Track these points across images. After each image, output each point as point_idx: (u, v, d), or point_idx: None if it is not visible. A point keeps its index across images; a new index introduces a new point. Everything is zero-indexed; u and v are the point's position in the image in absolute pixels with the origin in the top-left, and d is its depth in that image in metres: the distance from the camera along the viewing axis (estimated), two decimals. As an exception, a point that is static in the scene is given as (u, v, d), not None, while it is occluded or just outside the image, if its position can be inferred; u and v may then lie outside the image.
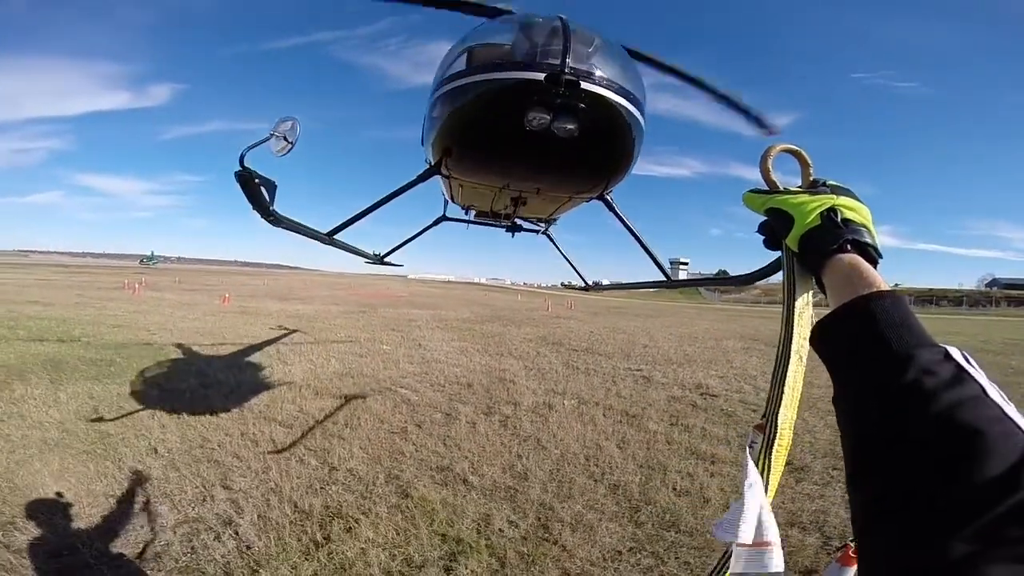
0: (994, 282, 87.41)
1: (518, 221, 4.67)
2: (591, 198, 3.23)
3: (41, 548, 2.88)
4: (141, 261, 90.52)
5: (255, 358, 8.61)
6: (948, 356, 0.53)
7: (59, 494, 3.44)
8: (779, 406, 0.79)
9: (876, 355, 0.56)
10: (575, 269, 5.81)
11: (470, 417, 5.75)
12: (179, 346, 9.19)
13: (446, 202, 5.15)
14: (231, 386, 6.56)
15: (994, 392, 0.49)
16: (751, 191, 0.93)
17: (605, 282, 5.89)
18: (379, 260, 5.19)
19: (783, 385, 0.80)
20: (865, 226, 0.77)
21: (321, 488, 3.73)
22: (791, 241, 0.82)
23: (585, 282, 5.80)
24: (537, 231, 5.52)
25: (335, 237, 2.88)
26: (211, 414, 5.27)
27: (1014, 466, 0.42)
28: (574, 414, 6.10)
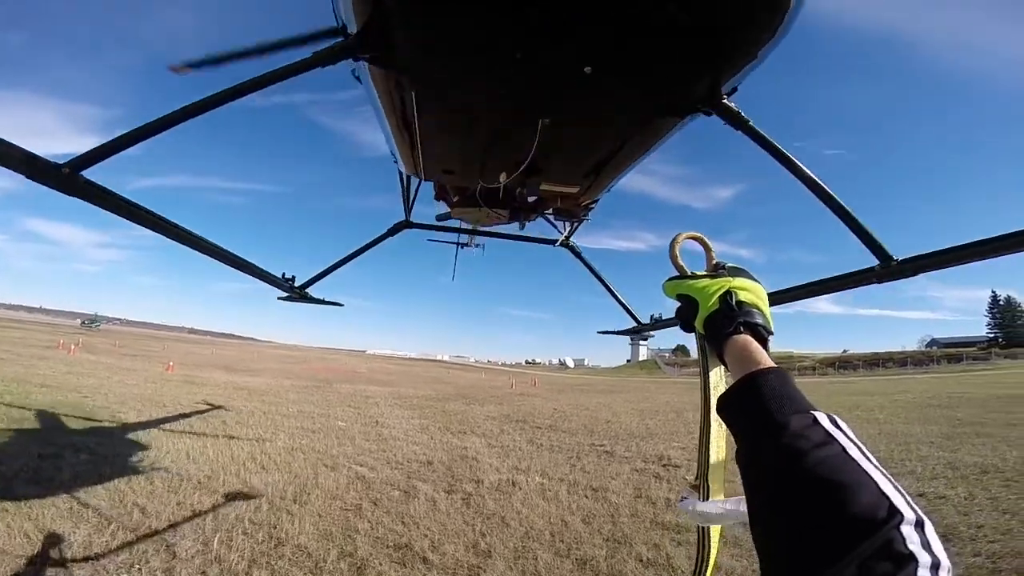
0: (933, 342, 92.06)
1: (528, 200, 2.99)
2: (692, 111, 1.76)
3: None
4: (83, 323, 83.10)
5: (197, 427, 8.04)
6: (816, 421, 0.61)
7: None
8: (708, 467, 0.88)
9: (760, 423, 0.65)
10: (618, 299, 4.13)
11: (430, 495, 5.44)
12: (114, 411, 8.48)
13: (409, 197, 3.91)
14: (169, 453, 6.06)
15: (854, 451, 0.57)
16: (667, 279, 1.03)
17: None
18: (299, 294, 3.74)
19: (708, 449, 0.90)
20: (757, 306, 0.88)
21: (267, 563, 3.40)
22: (698, 324, 0.93)
23: (636, 319, 4.05)
24: (553, 242, 4.07)
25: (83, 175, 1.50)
26: (147, 481, 4.82)
27: (869, 513, 0.49)
28: (538, 490, 5.88)
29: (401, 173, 3.57)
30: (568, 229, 4.01)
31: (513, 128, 1.99)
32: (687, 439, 10.16)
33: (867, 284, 1.82)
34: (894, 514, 0.48)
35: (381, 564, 3.55)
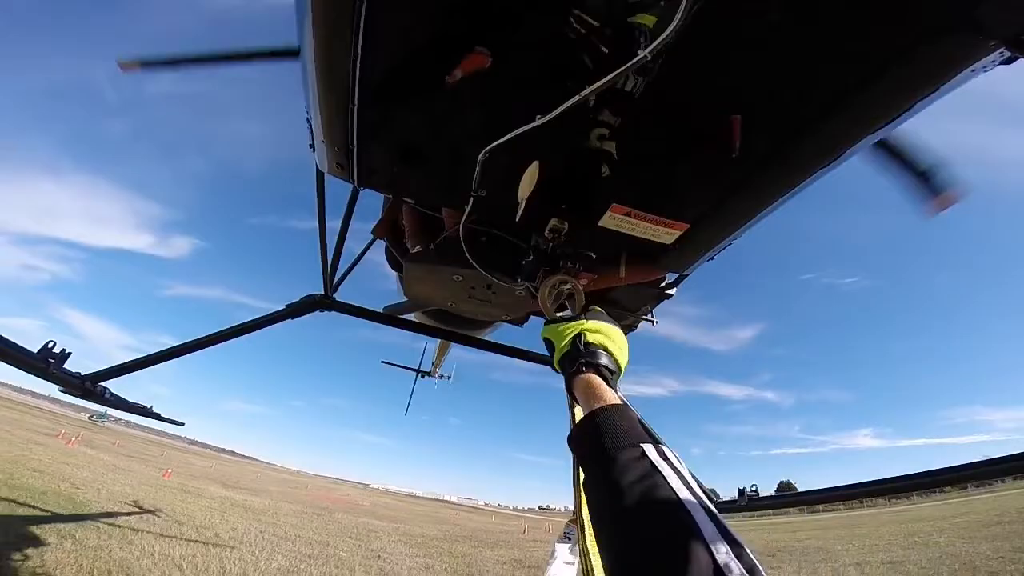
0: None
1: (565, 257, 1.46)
2: (997, 47, 0.88)
3: None
4: (90, 417, 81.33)
5: (189, 536, 7.22)
6: (644, 454, 0.66)
7: None
8: (581, 504, 0.92)
9: (595, 456, 0.72)
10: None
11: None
12: (104, 506, 7.77)
13: (326, 266, 2.77)
14: (152, 555, 5.30)
15: (676, 481, 0.61)
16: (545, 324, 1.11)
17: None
18: (86, 387, 2.32)
19: (580, 490, 0.94)
20: (604, 346, 0.96)
21: None
22: (556, 365, 1.02)
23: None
24: None
25: None
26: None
27: (678, 555, 0.51)
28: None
29: (320, 178, 2.26)
30: None
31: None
32: None
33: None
34: (709, 544, 0.51)
35: None
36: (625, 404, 0.80)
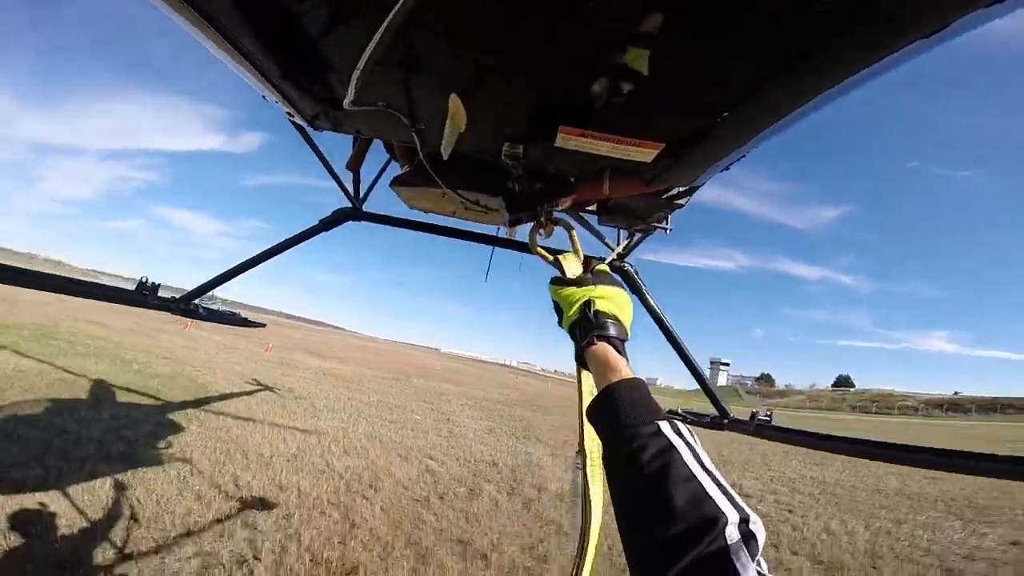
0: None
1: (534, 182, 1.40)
2: None
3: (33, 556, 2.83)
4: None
5: (291, 408, 8.76)
6: (660, 431, 0.69)
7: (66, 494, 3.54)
8: (583, 438, 0.96)
9: (614, 431, 0.74)
10: (700, 381, 2.98)
11: (493, 495, 5.59)
12: (220, 386, 9.45)
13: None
14: (262, 430, 6.66)
15: (690, 458, 0.64)
16: (551, 281, 1.09)
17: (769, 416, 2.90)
18: (183, 308, 2.87)
19: (583, 428, 0.95)
20: (614, 314, 0.97)
21: (340, 543, 3.67)
22: (565, 328, 1.03)
23: (722, 410, 3.01)
24: (598, 261, 1.55)
25: None
26: (243, 455, 5.35)
27: (691, 527, 0.55)
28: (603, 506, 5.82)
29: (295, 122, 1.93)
30: (626, 241, 2.75)
31: None
32: (763, 469, 10.02)
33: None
34: (719, 517, 0.55)
35: (444, 555, 3.71)
36: (638, 379, 0.83)
